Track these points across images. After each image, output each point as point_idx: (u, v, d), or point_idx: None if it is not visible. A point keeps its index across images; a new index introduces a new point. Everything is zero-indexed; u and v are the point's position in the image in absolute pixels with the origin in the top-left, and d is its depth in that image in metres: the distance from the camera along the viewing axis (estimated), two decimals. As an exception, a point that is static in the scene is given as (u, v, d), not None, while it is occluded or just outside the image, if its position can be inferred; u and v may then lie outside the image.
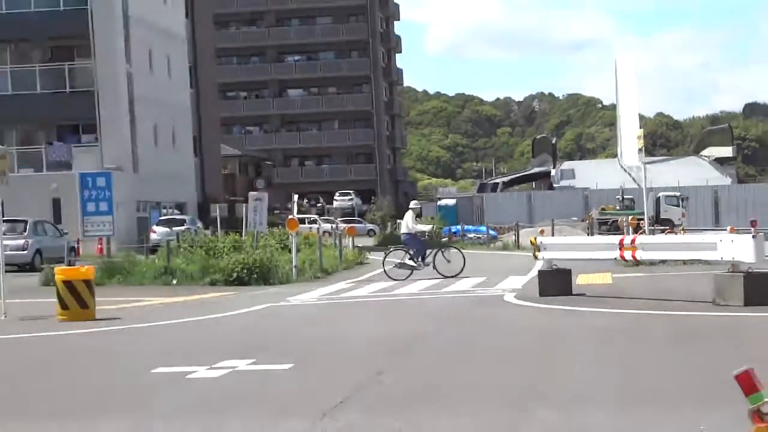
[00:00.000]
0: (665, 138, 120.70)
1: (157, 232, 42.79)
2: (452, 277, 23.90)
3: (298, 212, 41.23)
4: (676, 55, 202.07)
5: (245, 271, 25.31)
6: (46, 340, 15.37)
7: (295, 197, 40.07)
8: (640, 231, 26.19)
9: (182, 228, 42.63)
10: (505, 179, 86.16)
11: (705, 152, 79.29)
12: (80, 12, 48.46)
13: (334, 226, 42.64)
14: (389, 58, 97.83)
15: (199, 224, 48.35)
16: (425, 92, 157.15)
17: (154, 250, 35.31)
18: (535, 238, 20.98)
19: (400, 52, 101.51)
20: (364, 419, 7.82)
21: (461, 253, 26.48)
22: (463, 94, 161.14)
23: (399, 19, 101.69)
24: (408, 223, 25.77)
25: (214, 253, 28.40)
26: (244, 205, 40.60)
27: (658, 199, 43.14)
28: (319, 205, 62.05)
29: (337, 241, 35.48)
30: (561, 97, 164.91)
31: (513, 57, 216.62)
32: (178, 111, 56.74)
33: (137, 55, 51.11)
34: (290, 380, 10.31)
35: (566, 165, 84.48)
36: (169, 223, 45.25)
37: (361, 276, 28.43)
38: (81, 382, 10.96)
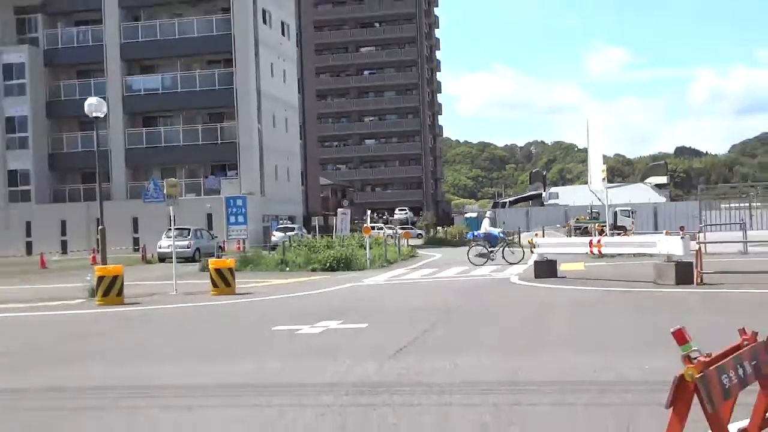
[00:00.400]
0: (620, 171, 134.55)
1: (276, 236, 45.40)
2: (516, 264, 25.89)
3: (370, 222, 44.45)
4: (628, 114, 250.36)
5: (335, 261, 27.83)
6: (203, 307, 16.60)
7: (368, 212, 42.50)
8: (603, 234, 27.48)
9: (293, 233, 45.50)
10: (511, 199, 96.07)
11: (648, 180, 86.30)
12: (228, 90, 53.77)
13: (394, 231, 43.78)
14: (433, 118, 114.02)
15: (304, 230, 51.48)
16: (457, 140, 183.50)
17: (273, 247, 38.59)
18: (532, 239, 22.91)
19: (441, 114, 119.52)
20: (416, 361, 8.66)
21: (522, 248, 28.94)
22: (483, 141, 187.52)
23: (441, 92, 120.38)
24: (485, 226, 28.56)
25: (314, 250, 30.72)
26: (334, 217, 44.78)
27: (615, 213, 42.79)
28: (384, 217, 66.14)
29: (397, 242, 38.69)
30: (549, 143, 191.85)
31: (516, 116, 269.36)
32: (291, 155, 62.27)
33: (265, 118, 56.28)
34: (366, 335, 11.26)
35: (553, 189, 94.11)
36: (284, 229, 48.19)
37: (413, 265, 30.72)
38: (224, 336, 12.33)
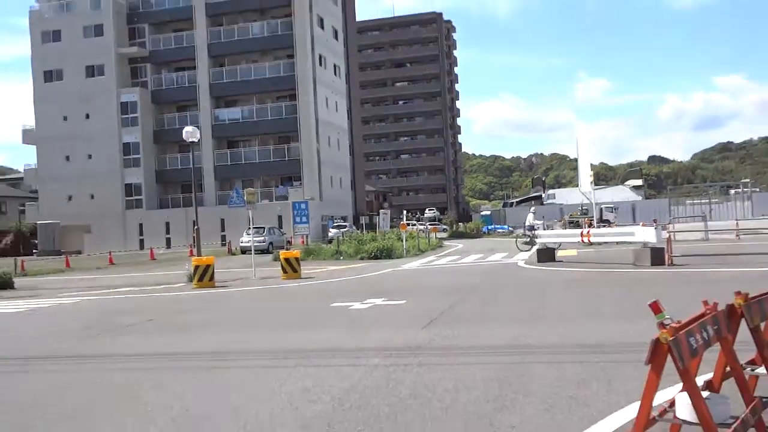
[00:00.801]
0: (604, 175, 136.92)
1: (332, 232, 45.09)
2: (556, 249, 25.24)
3: (406, 220, 43.77)
4: (609, 130, 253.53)
5: (378, 251, 27.79)
6: (276, 288, 16.74)
7: (404, 212, 42.78)
8: (592, 226, 26.70)
9: (345, 229, 45.55)
10: (517, 200, 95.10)
11: (626, 183, 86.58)
12: (293, 118, 54.28)
13: (425, 227, 43.20)
14: (454, 137, 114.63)
15: (354, 227, 51.70)
16: (473, 154, 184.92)
17: (330, 241, 39.01)
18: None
19: (460, 133, 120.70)
20: (445, 329, 8.64)
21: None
22: (494, 154, 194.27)
23: (459, 116, 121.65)
24: (529, 220, 28.04)
25: (361, 242, 30.60)
26: (377, 216, 45.00)
27: (601, 209, 41.92)
28: (416, 215, 65.98)
29: (427, 235, 38.35)
30: (547, 155, 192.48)
31: (520, 134, 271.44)
32: (342, 168, 62.24)
33: (322, 140, 56.24)
34: (404, 309, 11.11)
35: (550, 191, 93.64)
36: (338, 226, 47.96)
37: (440, 253, 30.49)
38: (293, 311, 12.38)
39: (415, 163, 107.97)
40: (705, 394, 3.35)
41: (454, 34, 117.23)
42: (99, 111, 56.25)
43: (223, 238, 49.94)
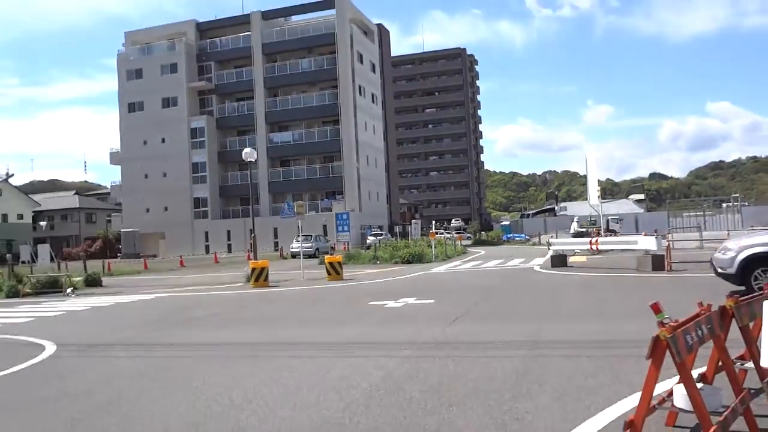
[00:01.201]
0: (610, 190, 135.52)
1: (370, 239, 44.74)
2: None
3: (435, 229, 43.32)
4: (614, 151, 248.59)
5: (411, 256, 27.29)
6: (322, 288, 16.63)
7: (433, 222, 42.31)
8: (599, 235, 26.19)
9: (381, 237, 45.40)
10: (533, 212, 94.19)
11: (630, 197, 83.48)
12: (336, 141, 54.46)
13: (451, 235, 43.01)
14: (477, 156, 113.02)
15: (389, 235, 51.18)
16: (494, 171, 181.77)
17: (368, 247, 38.19)
18: (548, 240, 22.49)
19: (483, 153, 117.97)
20: (469, 326, 8.64)
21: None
22: (512, 171, 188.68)
23: (482, 138, 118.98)
24: (574, 227, 27.62)
25: (396, 248, 30.13)
26: (409, 226, 44.45)
27: (608, 220, 41.82)
28: (444, 225, 65.27)
29: (453, 243, 37.74)
30: (560, 172, 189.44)
31: (535, 153, 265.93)
32: (379, 183, 61.81)
33: (362, 159, 56.23)
34: (433, 307, 10.96)
35: (562, 204, 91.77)
36: (375, 234, 47.96)
37: (465, 258, 29.63)
38: (336, 308, 12.17)
39: (443, 179, 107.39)
40: (699, 385, 3.33)
41: (476, 67, 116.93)
42: (172, 136, 57.33)
43: (276, 244, 50.35)
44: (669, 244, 16.99)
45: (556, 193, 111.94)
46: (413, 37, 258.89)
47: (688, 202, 63.14)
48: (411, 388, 5.31)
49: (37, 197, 72.66)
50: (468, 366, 6.05)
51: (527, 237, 56.54)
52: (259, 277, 17.90)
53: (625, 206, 74.48)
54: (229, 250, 54.00)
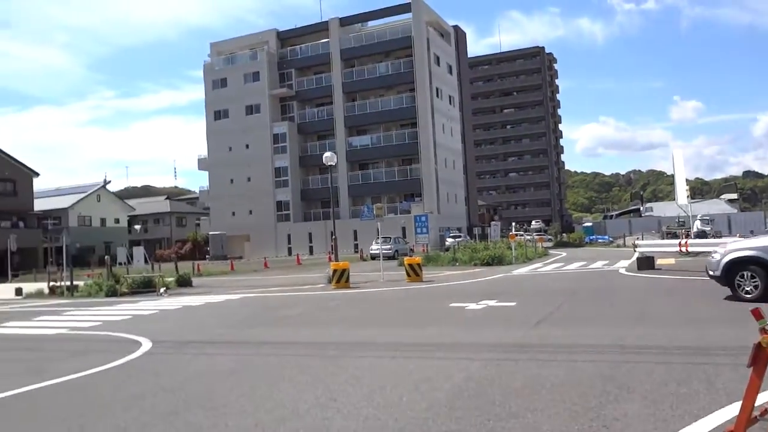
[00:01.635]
0: (699, 190, 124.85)
1: (449, 241, 44.74)
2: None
3: (515, 231, 42.82)
4: (703, 148, 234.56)
5: (490, 258, 26.97)
6: (401, 290, 16.70)
7: (513, 224, 41.55)
8: (688, 236, 25.03)
9: (460, 239, 44.85)
10: (617, 213, 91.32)
11: (722, 196, 76.25)
12: (414, 143, 54.50)
13: (532, 237, 41.95)
14: (558, 156, 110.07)
15: (468, 237, 50.69)
16: (575, 171, 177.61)
17: (447, 249, 38.09)
18: (634, 242, 21.53)
19: (563, 153, 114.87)
20: (552, 329, 8.45)
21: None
22: (595, 171, 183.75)
23: (562, 137, 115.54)
24: (697, 226, 26.85)
25: (475, 250, 29.70)
26: (488, 227, 43.74)
27: (698, 222, 40.08)
28: (524, 227, 63.60)
29: (534, 244, 37.13)
30: (644, 171, 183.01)
31: (619, 152, 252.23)
32: (457, 185, 61.40)
33: (440, 161, 56.04)
34: (515, 310, 10.85)
35: (648, 205, 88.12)
36: (454, 236, 47.23)
37: (546, 260, 29.23)
38: (416, 309, 12.30)
39: (522, 180, 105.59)
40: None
41: (555, 65, 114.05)
42: (256, 142, 59.24)
43: (356, 246, 50.96)
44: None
45: (641, 193, 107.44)
46: (490, 38, 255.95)
47: (786, 201, 59.16)
48: (494, 390, 5.26)
49: (131, 202, 76.85)
50: (552, 370, 5.92)
51: (611, 239, 54.91)
52: (341, 278, 18.08)
53: (717, 206, 70.32)
54: (311, 252, 55.24)
